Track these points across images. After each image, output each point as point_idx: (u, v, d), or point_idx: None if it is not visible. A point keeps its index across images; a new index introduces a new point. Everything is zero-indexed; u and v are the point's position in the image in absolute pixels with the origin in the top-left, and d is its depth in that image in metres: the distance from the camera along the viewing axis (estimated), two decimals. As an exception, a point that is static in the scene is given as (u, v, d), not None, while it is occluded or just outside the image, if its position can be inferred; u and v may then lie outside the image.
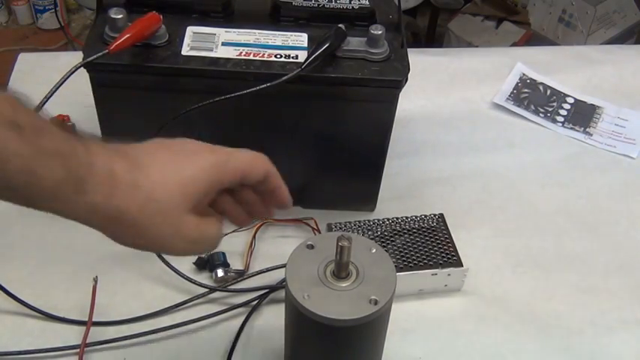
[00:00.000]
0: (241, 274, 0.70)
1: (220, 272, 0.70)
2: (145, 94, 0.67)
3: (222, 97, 0.62)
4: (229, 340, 0.66)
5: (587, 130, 0.94)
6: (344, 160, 0.74)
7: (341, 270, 0.51)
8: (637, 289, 0.73)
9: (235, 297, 0.69)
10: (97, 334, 0.65)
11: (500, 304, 0.71)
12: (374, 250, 0.54)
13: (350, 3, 0.70)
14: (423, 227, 0.72)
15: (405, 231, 0.72)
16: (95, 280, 0.67)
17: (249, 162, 0.52)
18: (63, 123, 0.46)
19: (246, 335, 0.66)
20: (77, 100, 0.73)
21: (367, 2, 0.71)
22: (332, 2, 0.70)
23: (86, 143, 0.43)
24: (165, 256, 0.67)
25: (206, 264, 0.70)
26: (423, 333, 0.68)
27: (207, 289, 0.69)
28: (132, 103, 0.68)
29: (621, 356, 0.67)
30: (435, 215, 0.73)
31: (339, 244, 0.49)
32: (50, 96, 0.60)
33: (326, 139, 0.72)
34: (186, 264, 0.70)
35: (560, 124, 0.94)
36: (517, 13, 2.05)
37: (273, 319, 0.67)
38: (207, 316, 0.67)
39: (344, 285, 0.51)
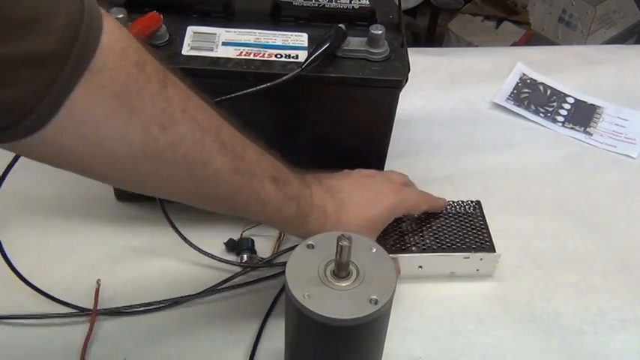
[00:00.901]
0: (266, 262, 0.72)
1: (246, 257, 0.72)
2: (145, 94, 0.67)
3: (223, 98, 0.62)
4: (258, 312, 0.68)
5: (588, 130, 0.94)
6: (344, 160, 0.74)
7: (341, 270, 0.51)
8: (637, 289, 0.73)
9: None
10: (98, 332, 0.65)
11: (500, 304, 0.71)
12: (374, 250, 0.54)
13: (350, 3, 0.70)
14: (459, 212, 0.74)
15: (442, 214, 0.74)
16: (98, 282, 0.67)
17: (418, 204, 0.70)
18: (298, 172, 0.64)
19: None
20: (77, 100, 0.73)
21: (367, 2, 0.71)
22: (332, 2, 0.70)
23: (310, 185, 0.61)
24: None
25: (234, 247, 0.73)
26: (423, 333, 0.68)
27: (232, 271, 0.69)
28: (132, 103, 0.68)
29: (621, 356, 0.67)
30: (472, 202, 0.75)
31: (339, 243, 0.49)
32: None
33: (326, 139, 0.72)
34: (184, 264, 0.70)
35: (561, 124, 0.94)
36: (517, 13, 2.06)
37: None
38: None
39: (344, 285, 0.51)
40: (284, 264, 0.69)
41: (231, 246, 0.73)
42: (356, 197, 0.64)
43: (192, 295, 0.68)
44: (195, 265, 0.71)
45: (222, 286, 0.69)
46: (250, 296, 0.70)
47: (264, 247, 0.74)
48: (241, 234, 0.74)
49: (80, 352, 0.63)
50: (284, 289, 0.68)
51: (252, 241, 0.73)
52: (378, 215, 0.64)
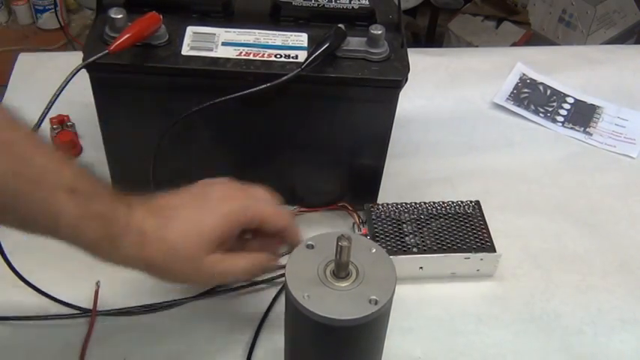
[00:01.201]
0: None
1: None
2: (144, 94, 0.67)
3: (223, 99, 0.62)
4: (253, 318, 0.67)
5: (587, 129, 0.94)
6: (344, 160, 0.74)
7: (341, 270, 0.51)
8: (637, 289, 0.73)
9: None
10: (97, 333, 0.65)
11: (500, 304, 0.71)
12: (374, 250, 0.54)
13: (350, 3, 0.70)
14: (459, 212, 0.74)
15: (442, 215, 0.73)
16: (97, 284, 0.67)
17: (269, 215, 0.58)
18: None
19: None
20: (77, 100, 0.73)
21: (367, 2, 0.71)
22: (332, 2, 0.70)
23: (129, 204, 0.53)
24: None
25: None
26: (423, 333, 0.68)
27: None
28: (132, 103, 0.68)
29: (621, 356, 0.67)
30: (471, 202, 0.75)
31: (339, 244, 0.49)
32: (54, 101, 0.61)
33: (326, 139, 0.72)
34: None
35: (560, 124, 0.94)
36: (517, 13, 2.06)
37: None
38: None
39: (344, 285, 0.51)
40: (283, 267, 0.70)
41: None
42: (185, 212, 0.55)
43: (191, 297, 0.68)
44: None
45: (221, 288, 0.69)
46: (250, 296, 0.70)
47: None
48: None
49: (80, 353, 0.63)
50: (283, 289, 0.68)
51: None
52: (211, 226, 0.55)
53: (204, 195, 0.57)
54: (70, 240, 0.51)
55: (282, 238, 0.60)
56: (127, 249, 0.52)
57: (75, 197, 0.49)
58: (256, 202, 0.58)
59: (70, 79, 0.60)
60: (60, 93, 0.61)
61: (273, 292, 0.70)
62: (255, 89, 0.62)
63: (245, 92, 0.62)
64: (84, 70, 0.63)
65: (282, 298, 0.64)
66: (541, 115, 0.95)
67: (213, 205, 0.56)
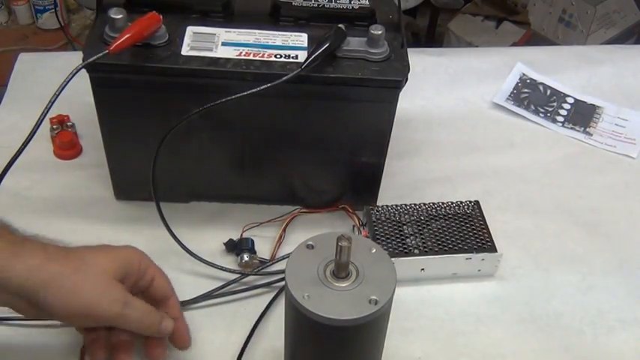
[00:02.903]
0: (265, 263, 0.72)
1: (246, 257, 0.71)
2: (145, 94, 0.67)
3: (223, 100, 0.62)
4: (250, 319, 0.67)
5: (587, 130, 0.94)
6: (344, 160, 0.74)
7: (341, 270, 0.51)
8: (637, 289, 0.73)
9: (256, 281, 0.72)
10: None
11: (500, 304, 0.71)
12: (374, 250, 0.54)
13: (350, 3, 0.70)
14: (458, 213, 0.74)
15: (441, 216, 0.73)
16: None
17: (159, 271, 0.60)
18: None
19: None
20: (77, 100, 0.73)
21: (367, 2, 0.71)
22: (332, 2, 0.70)
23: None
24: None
25: (234, 248, 0.72)
26: (423, 333, 0.68)
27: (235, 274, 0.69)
28: (132, 103, 0.68)
29: (621, 356, 0.67)
30: (471, 202, 0.75)
31: (339, 244, 0.49)
32: (54, 100, 0.61)
33: (326, 139, 0.72)
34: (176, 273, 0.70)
35: (560, 124, 0.94)
36: (517, 13, 2.06)
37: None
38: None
39: (344, 285, 0.51)
40: (281, 272, 0.70)
41: (231, 247, 0.73)
42: (84, 251, 0.56)
43: (188, 300, 0.68)
44: (194, 264, 0.70)
45: (218, 292, 0.70)
46: (249, 297, 0.70)
47: (264, 247, 0.74)
48: (241, 234, 0.74)
49: (79, 354, 0.63)
50: (281, 291, 0.69)
51: (253, 241, 0.73)
52: (112, 255, 0.57)
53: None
54: None
55: (165, 306, 0.60)
56: (29, 258, 0.51)
57: None
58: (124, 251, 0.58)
59: (70, 79, 0.60)
60: (60, 93, 0.61)
61: (271, 294, 0.70)
62: (255, 90, 0.62)
63: (245, 93, 0.62)
64: (84, 70, 0.63)
65: (280, 301, 0.64)
66: (541, 115, 0.95)
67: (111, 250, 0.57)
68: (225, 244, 0.73)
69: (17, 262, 0.50)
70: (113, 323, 0.56)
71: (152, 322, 0.58)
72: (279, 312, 0.55)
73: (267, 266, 0.72)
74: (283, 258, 0.72)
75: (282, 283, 0.69)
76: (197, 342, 0.65)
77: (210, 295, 0.69)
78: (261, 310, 0.68)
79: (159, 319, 0.58)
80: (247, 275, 0.71)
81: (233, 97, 0.62)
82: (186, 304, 0.68)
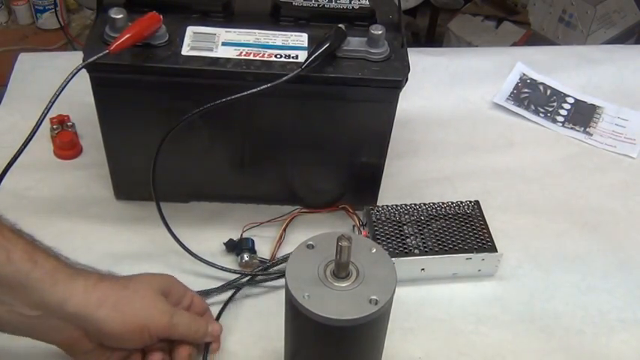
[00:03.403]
0: (265, 263, 0.72)
1: (246, 257, 0.71)
2: (145, 94, 0.67)
3: (223, 100, 0.62)
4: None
5: (588, 130, 0.94)
6: (344, 160, 0.74)
7: (341, 270, 0.51)
8: (637, 289, 0.73)
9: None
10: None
11: (500, 305, 0.71)
12: (374, 250, 0.54)
13: (350, 3, 0.70)
14: (458, 213, 0.74)
15: (442, 216, 0.73)
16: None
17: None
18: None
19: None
20: (77, 100, 0.73)
21: (367, 2, 0.71)
22: (332, 2, 0.70)
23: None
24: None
25: (234, 247, 0.73)
26: (423, 333, 0.68)
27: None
28: (132, 103, 0.68)
29: (621, 356, 0.67)
30: (471, 202, 0.75)
31: (339, 244, 0.49)
32: (54, 100, 0.61)
33: (326, 139, 0.72)
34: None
35: (560, 124, 0.94)
36: (517, 13, 2.05)
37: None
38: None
39: (344, 285, 0.51)
40: (280, 273, 0.70)
41: (231, 246, 0.73)
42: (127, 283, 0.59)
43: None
44: (194, 264, 0.70)
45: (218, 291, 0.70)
46: (249, 297, 0.70)
47: (264, 247, 0.74)
48: (241, 234, 0.74)
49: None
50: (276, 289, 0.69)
51: (253, 241, 0.73)
52: (150, 279, 0.61)
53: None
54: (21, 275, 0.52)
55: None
56: (85, 280, 0.54)
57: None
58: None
59: (70, 79, 0.61)
60: (60, 93, 0.61)
61: (270, 295, 0.70)
62: (255, 90, 0.62)
63: (245, 93, 0.62)
64: (84, 70, 0.63)
65: (280, 301, 0.64)
66: (541, 115, 0.95)
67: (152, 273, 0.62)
68: (225, 244, 0.73)
69: (75, 284, 0.54)
70: (164, 334, 0.58)
71: (200, 326, 0.61)
72: (279, 312, 0.55)
73: (268, 267, 0.72)
74: (284, 258, 0.72)
75: (281, 280, 0.70)
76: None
77: (209, 294, 0.69)
78: (261, 310, 0.68)
79: (205, 323, 0.62)
80: (247, 275, 0.71)
81: (233, 97, 0.62)
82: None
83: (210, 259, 0.70)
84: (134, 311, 0.56)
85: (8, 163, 0.61)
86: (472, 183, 0.84)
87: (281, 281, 0.70)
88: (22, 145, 0.61)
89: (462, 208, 0.74)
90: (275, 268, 0.72)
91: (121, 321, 0.55)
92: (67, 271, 0.54)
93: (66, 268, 0.54)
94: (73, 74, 0.61)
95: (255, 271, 0.71)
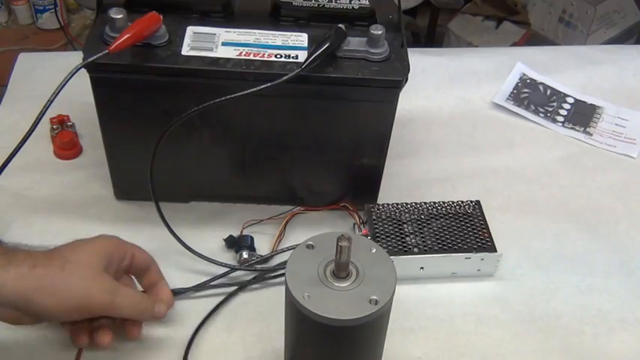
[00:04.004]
0: (264, 260, 0.72)
1: (245, 254, 0.71)
2: (145, 94, 0.67)
3: (223, 98, 0.62)
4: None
5: (588, 130, 0.94)
6: (344, 160, 0.74)
7: (341, 270, 0.51)
8: (637, 289, 0.73)
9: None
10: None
11: (500, 304, 0.71)
12: (374, 250, 0.54)
13: (350, 3, 0.70)
14: (459, 212, 0.74)
15: (442, 215, 0.73)
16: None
17: (137, 249, 0.63)
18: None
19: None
20: (77, 100, 0.73)
21: (367, 2, 0.71)
22: (332, 2, 0.70)
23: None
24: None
25: (234, 244, 0.73)
26: (423, 333, 0.68)
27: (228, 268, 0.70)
28: (132, 103, 0.68)
29: (621, 356, 0.67)
30: (472, 202, 0.75)
31: (339, 244, 0.49)
32: (53, 99, 0.61)
33: (326, 139, 0.72)
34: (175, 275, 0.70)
35: (560, 124, 0.94)
36: (517, 13, 2.06)
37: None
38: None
39: (344, 285, 0.51)
40: (279, 268, 0.70)
41: (231, 243, 0.73)
42: (66, 248, 0.58)
43: (187, 288, 0.69)
44: (194, 262, 0.70)
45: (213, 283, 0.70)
46: (249, 296, 0.70)
47: (264, 245, 0.74)
48: (241, 231, 0.74)
49: (76, 354, 0.63)
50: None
51: (252, 238, 0.73)
52: (93, 248, 0.59)
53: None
54: None
55: (148, 273, 0.64)
56: (19, 267, 0.52)
57: None
58: (128, 245, 0.62)
59: (69, 79, 0.61)
60: (58, 92, 0.61)
61: (270, 295, 0.70)
62: (255, 89, 0.62)
63: (245, 92, 0.62)
64: (84, 70, 0.63)
65: (280, 300, 0.64)
66: (541, 115, 0.95)
67: (91, 240, 0.59)
68: (225, 240, 0.73)
69: (6, 274, 0.52)
70: (107, 313, 0.58)
71: (145, 307, 0.60)
72: (279, 312, 0.55)
73: (262, 260, 0.72)
74: (283, 251, 0.72)
75: (281, 280, 0.70)
76: (197, 341, 0.65)
77: (204, 286, 0.69)
78: (261, 310, 0.68)
79: (151, 304, 0.61)
80: (237, 269, 0.71)
81: (232, 95, 0.62)
82: (183, 292, 0.69)
83: (210, 257, 0.70)
84: (72, 294, 0.55)
85: (5, 160, 0.61)
86: (472, 183, 0.84)
87: (281, 281, 0.70)
88: (20, 142, 0.61)
89: (462, 207, 0.74)
90: (274, 263, 0.72)
91: (58, 304, 0.54)
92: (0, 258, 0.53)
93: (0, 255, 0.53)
94: (72, 74, 0.61)
95: (250, 263, 0.71)
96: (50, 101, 0.61)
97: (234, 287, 0.70)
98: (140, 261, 0.63)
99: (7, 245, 0.56)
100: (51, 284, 0.54)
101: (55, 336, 0.64)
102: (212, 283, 0.70)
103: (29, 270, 0.53)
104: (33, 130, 0.61)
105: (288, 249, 0.73)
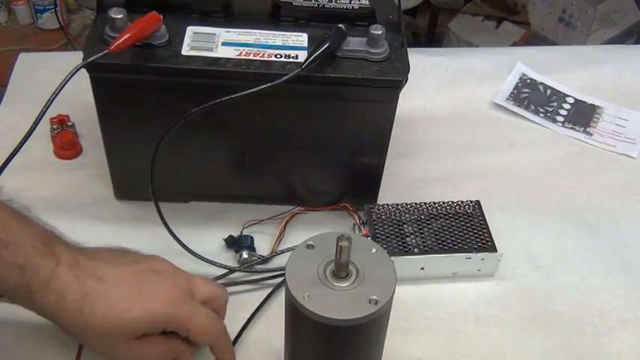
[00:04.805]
0: (264, 261, 0.72)
1: (245, 254, 0.71)
2: (145, 94, 0.67)
3: (223, 99, 0.62)
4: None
5: (588, 129, 0.94)
6: (344, 161, 0.74)
7: (341, 270, 0.51)
8: (637, 289, 0.73)
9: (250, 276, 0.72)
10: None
11: (500, 304, 0.71)
12: (374, 250, 0.54)
13: (350, 3, 0.70)
14: (459, 212, 0.74)
15: (442, 215, 0.73)
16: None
17: (197, 331, 0.56)
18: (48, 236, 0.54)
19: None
20: (77, 100, 0.73)
21: (367, 2, 0.71)
22: (332, 2, 0.70)
23: (58, 259, 0.52)
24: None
25: (234, 244, 0.73)
26: (423, 333, 0.68)
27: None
28: (132, 103, 0.68)
29: (621, 356, 0.67)
30: (472, 202, 0.75)
31: (339, 244, 0.49)
32: (53, 99, 0.61)
33: (326, 139, 0.72)
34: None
35: (560, 124, 0.94)
36: (517, 13, 2.06)
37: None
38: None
39: (344, 285, 0.51)
40: (279, 269, 0.70)
41: (231, 243, 0.73)
42: (118, 292, 0.54)
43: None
44: (194, 263, 0.70)
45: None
46: (248, 296, 0.70)
47: (264, 245, 0.74)
48: (241, 231, 0.74)
49: (76, 353, 0.63)
50: (278, 287, 0.69)
51: (252, 238, 0.73)
52: (135, 321, 0.53)
53: (142, 278, 0.55)
54: None
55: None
56: (44, 307, 0.52)
57: None
58: (191, 311, 0.56)
59: (69, 79, 0.61)
60: (58, 92, 0.61)
61: (267, 292, 0.70)
62: (255, 89, 0.62)
63: (245, 93, 0.62)
64: (84, 71, 0.63)
65: (279, 299, 0.64)
66: (541, 115, 0.95)
67: (146, 296, 0.54)
68: (225, 239, 0.73)
69: (32, 306, 0.53)
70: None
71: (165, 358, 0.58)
72: (279, 312, 0.55)
73: (263, 262, 0.72)
74: (282, 252, 0.73)
75: (280, 279, 0.70)
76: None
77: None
78: (261, 310, 0.68)
79: (172, 356, 0.58)
80: (245, 271, 0.71)
81: (233, 96, 0.62)
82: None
83: (210, 259, 0.70)
84: (93, 345, 0.56)
85: (5, 161, 0.61)
86: (472, 183, 0.84)
87: (281, 281, 0.70)
88: (20, 143, 0.61)
89: (462, 207, 0.74)
90: (273, 264, 0.72)
91: (83, 344, 0.58)
92: (31, 285, 0.51)
93: (31, 280, 0.51)
94: (72, 74, 0.61)
95: (250, 264, 0.71)
96: (50, 101, 0.61)
97: (233, 286, 0.70)
98: (196, 341, 0.58)
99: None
100: (72, 335, 0.55)
101: (55, 335, 0.65)
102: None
103: (52, 313, 0.53)
104: (33, 130, 0.61)
105: (288, 250, 0.73)
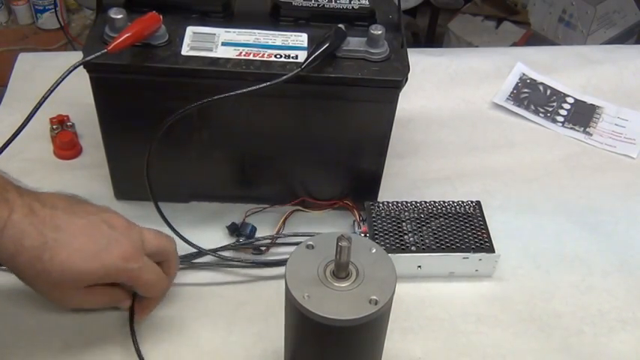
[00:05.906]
0: (259, 252, 0.73)
1: (242, 240, 0.72)
2: (144, 94, 0.67)
3: (221, 96, 0.62)
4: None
5: (587, 130, 0.94)
6: (344, 161, 0.74)
7: (341, 270, 0.51)
8: (637, 289, 0.73)
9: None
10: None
11: (500, 304, 0.71)
12: (374, 250, 0.54)
13: (350, 3, 0.70)
14: (459, 212, 0.74)
15: (442, 214, 0.73)
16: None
17: (143, 285, 0.61)
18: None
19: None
20: (77, 100, 0.73)
21: (367, 2, 0.71)
22: (332, 2, 0.70)
23: (13, 207, 0.53)
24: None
25: (235, 231, 0.74)
26: (423, 333, 0.68)
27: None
28: (132, 103, 0.68)
29: (621, 356, 0.67)
30: (472, 202, 0.75)
31: (339, 244, 0.49)
32: (48, 95, 0.61)
33: (326, 139, 0.72)
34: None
35: (560, 124, 0.94)
36: (517, 13, 2.06)
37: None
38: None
39: (344, 285, 0.51)
40: (280, 262, 0.71)
41: (233, 229, 0.73)
42: (76, 243, 0.55)
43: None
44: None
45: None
46: (248, 295, 0.70)
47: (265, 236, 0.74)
48: (244, 219, 0.74)
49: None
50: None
51: (254, 228, 0.74)
52: (88, 272, 0.56)
53: (98, 231, 0.57)
54: None
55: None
56: (1, 252, 0.53)
57: None
58: (142, 267, 0.59)
59: (65, 76, 0.60)
60: (55, 87, 0.61)
61: (270, 294, 0.70)
62: (254, 88, 0.62)
63: (244, 91, 0.62)
64: (84, 71, 0.63)
65: (279, 298, 0.64)
66: (541, 115, 0.95)
67: (102, 249, 0.56)
68: (227, 227, 0.74)
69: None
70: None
71: (108, 306, 0.63)
72: (279, 312, 0.55)
73: (259, 253, 0.73)
74: (281, 243, 0.73)
75: (281, 279, 0.70)
76: (196, 341, 0.65)
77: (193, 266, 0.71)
78: (261, 310, 0.68)
79: (114, 304, 0.64)
80: (230, 248, 0.72)
81: (232, 94, 0.62)
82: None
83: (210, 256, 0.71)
84: (45, 291, 0.58)
85: (1, 147, 0.61)
86: (472, 183, 0.84)
87: (281, 281, 0.69)
88: (13, 133, 0.61)
89: (462, 207, 0.74)
90: (272, 257, 0.73)
91: (35, 289, 0.57)
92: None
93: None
94: (69, 71, 0.61)
95: (245, 243, 0.72)
96: (45, 97, 0.61)
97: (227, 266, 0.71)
98: (140, 293, 0.63)
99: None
100: (25, 280, 0.56)
101: (54, 337, 0.65)
102: (203, 260, 0.71)
103: (9, 258, 0.54)
104: (26, 123, 0.61)
105: (285, 244, 0.73)
